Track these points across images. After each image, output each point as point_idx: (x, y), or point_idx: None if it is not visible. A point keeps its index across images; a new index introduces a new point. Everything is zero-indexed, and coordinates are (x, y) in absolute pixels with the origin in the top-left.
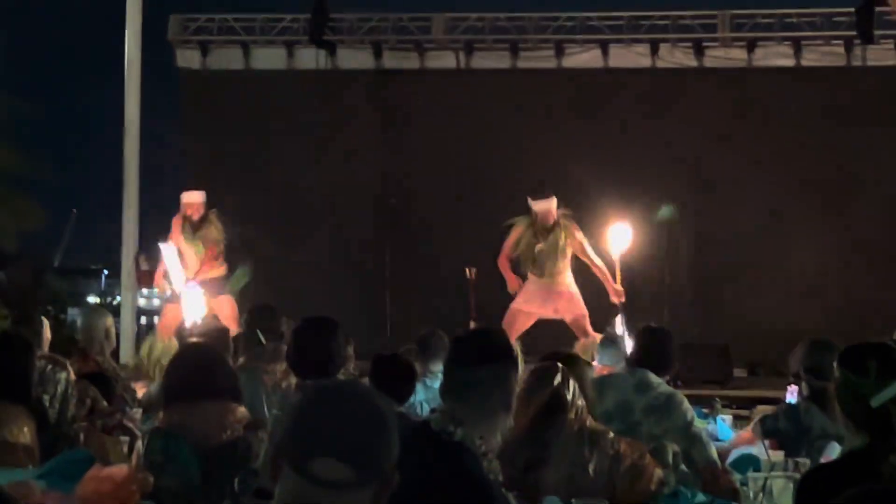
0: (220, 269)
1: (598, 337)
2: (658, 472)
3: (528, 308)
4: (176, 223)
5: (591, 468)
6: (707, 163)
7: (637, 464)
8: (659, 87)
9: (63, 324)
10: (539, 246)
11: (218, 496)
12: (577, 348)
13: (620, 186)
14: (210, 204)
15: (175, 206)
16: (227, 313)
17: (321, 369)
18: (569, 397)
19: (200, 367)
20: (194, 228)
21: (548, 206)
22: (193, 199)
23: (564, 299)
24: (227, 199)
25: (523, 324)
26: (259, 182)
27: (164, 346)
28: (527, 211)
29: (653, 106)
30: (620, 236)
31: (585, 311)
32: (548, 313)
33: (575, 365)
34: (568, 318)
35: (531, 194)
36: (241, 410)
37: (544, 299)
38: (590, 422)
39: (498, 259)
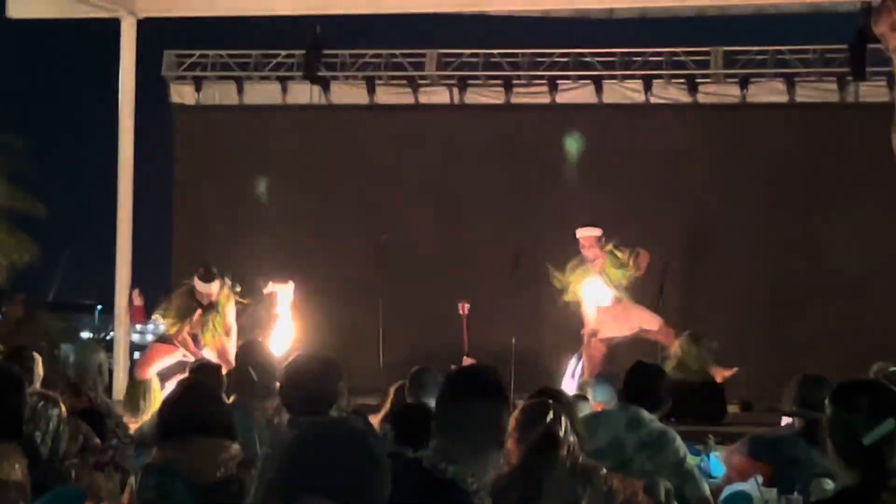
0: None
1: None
2: None
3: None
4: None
5: None
6: (699, 195)
7: (630, 500)
8: (652, 123)
9: (56, 359)
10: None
11: None
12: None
13: (614, 222)
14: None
15: (167, 241)
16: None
17: (313, 406)
18: (561, 434)
19: (195, 403)
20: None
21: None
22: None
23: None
24: (220, 232)
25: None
26: (251, 217)
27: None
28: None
29: (646, 141)
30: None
31: None
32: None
33: (565, 401)
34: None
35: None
36: (235, 447)
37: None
38: (582, 458)
39: None
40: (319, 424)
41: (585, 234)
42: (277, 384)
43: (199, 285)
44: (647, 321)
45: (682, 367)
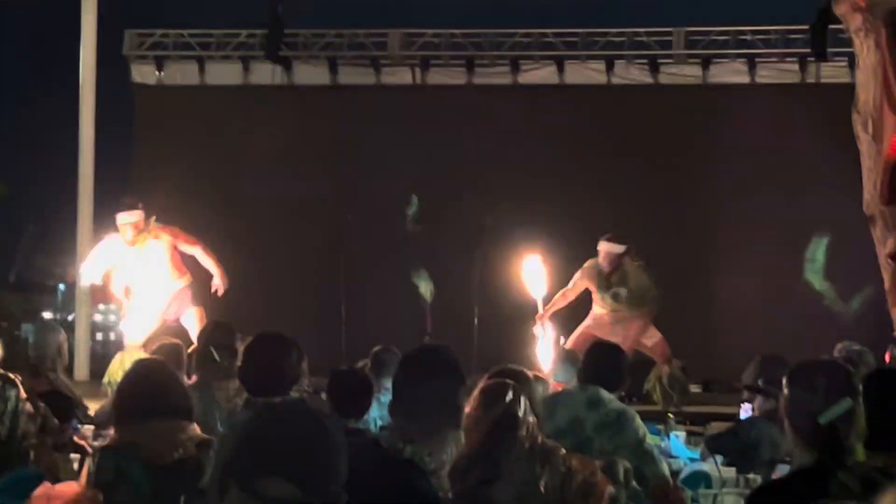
0: (185, 279)
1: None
2: (609, 490)
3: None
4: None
5: (542, 485)
6: (661, 176)
7: (588, 480)
8: (614, 104)
9: (17, 340)
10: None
11: None
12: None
13: (577, 202)
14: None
15: None
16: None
17: (273, 387)
18: (520, 414)
19: (152, 384)
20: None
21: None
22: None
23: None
24: (181, 213)
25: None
26: (214, 197)
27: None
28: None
29: (608, 122)
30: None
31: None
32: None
33: (525, 382)
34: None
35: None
36: (193, 428)
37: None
38: (541, 439)
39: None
40: (276, 406)
41: (610, 248)
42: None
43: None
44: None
45: (655, 392)
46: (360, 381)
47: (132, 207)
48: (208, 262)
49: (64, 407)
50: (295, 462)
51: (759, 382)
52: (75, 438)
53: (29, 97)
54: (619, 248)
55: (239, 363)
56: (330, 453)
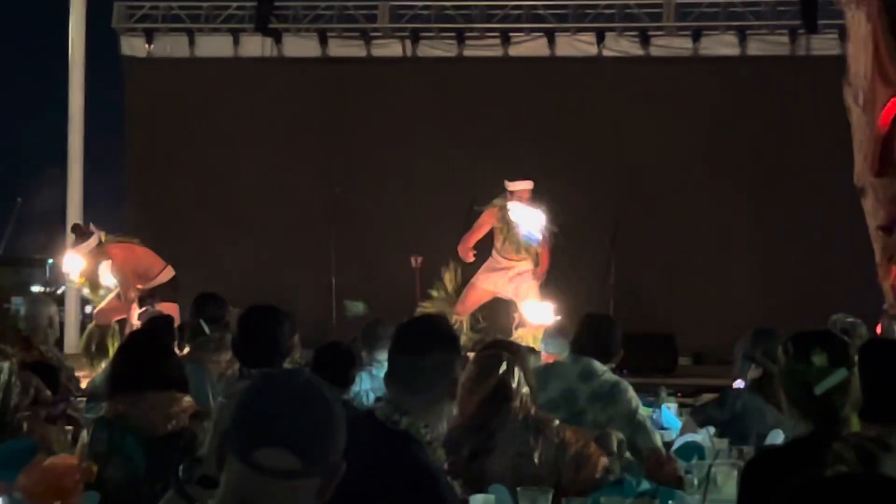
0: (167, 273)
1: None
2: (603, 461)
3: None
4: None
5: (536, 457)
6: (652, 149)
7: (582, 452)
8: (604, 76)
9: (7, 313)
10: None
11: (162, 486)
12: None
13: (567, 174)
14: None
15: (118, 195)
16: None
17: (266, 358)
18: (514, 386)
19: (146, 356)
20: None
21: (528, 189)
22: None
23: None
24: (172, 186)
25: (479, 299)
26: (204, 170)
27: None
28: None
29: (599, 94)
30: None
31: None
32: (508, 294)
33: (518, 353)
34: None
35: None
36: (187, 400)
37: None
38: (535, 410)
39: (465, 238)
40: (273, 375)
41: (523, 187)
42: (230, 337)
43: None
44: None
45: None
46: (344, 354)
47: (85, 235)
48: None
49: (56, 379)
50: (294, 432)
51: (756, 355)
52: (68, 411)
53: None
54: (529, 184)
55: (232, 335)
56: (329, 423)
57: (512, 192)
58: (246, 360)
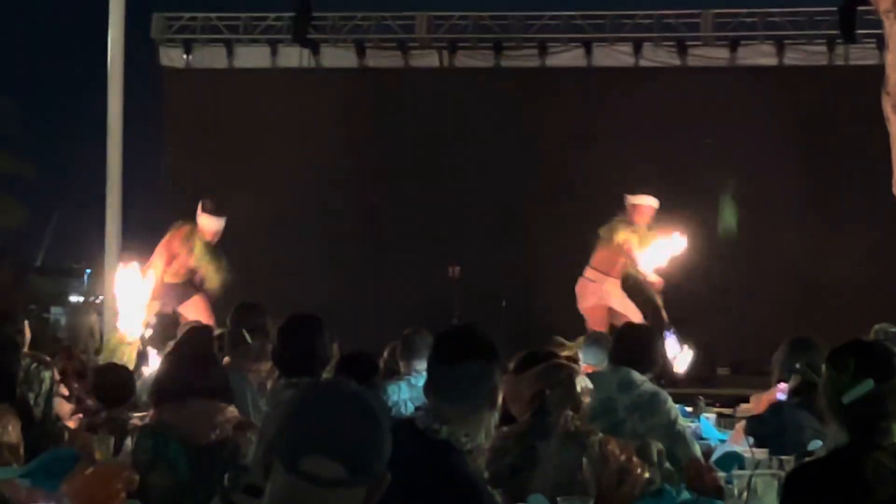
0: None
1: None
2: (645, 477)
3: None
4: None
5: (578, 470)
6: (690, 161)
7: (625, 466)
8: (642, 87)
9: (46, 323)
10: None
11: (206, 496)
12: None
13: (605, 185)
14: (187, 215)
15: (157, 204)
16: (201, 314)
17: (306, 367)
18: (562, 399)
19: (192, 365)
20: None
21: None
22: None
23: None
24: (209, 197)
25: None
26: (241, 180)
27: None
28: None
29: (636, 104)
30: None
31: None
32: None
33: (563, 366)
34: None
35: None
36: (231, 410)
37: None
38: (577, 423)
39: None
40: (321, 385)
41: (650, 202)
42: (271, 346)
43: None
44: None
45: None
46: (366, 364)
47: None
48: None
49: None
50: (340, 441)
51: (797, 366)
52: (109, 420)
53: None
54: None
55: (273, 343)
56: (375, 433)
57: (634, 206)
58: (286, 369)
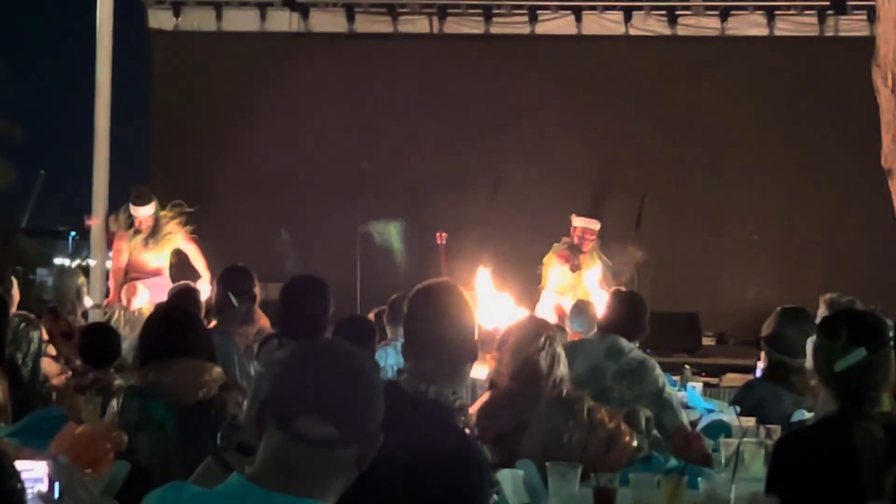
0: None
1: None
2: (633, 445)
3: None
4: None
5: (566, 436)
6: (680, 131)
7: (613, 433)
8: (631, 55)
9: (32, 284)
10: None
11: (193, 455)
12: None
13: (594, 153)
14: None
15: (144, 167)
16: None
17: (308, 330)
18: (548, 364)
19: (176, 326)
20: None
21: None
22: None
23: None
24: (197, 160)
25: None
26: (229, 143)
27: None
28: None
29: (625, 73)
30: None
31: None
32: None
33: (553, 332)
34: None
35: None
36: (217, 370)
37: None
38: (567, 389)
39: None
40: (313, 345)
41: (590, 225)
42: (257, 310)
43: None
44: None
45: None
46: (363, 327)
47: (149, 200)
48: (200, 264)
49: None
50: (333, 402)
51: (762, 344)
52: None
53: (46, 40)
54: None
55: (276, 304)
56: (368, 393)
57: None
58: (288, 332)
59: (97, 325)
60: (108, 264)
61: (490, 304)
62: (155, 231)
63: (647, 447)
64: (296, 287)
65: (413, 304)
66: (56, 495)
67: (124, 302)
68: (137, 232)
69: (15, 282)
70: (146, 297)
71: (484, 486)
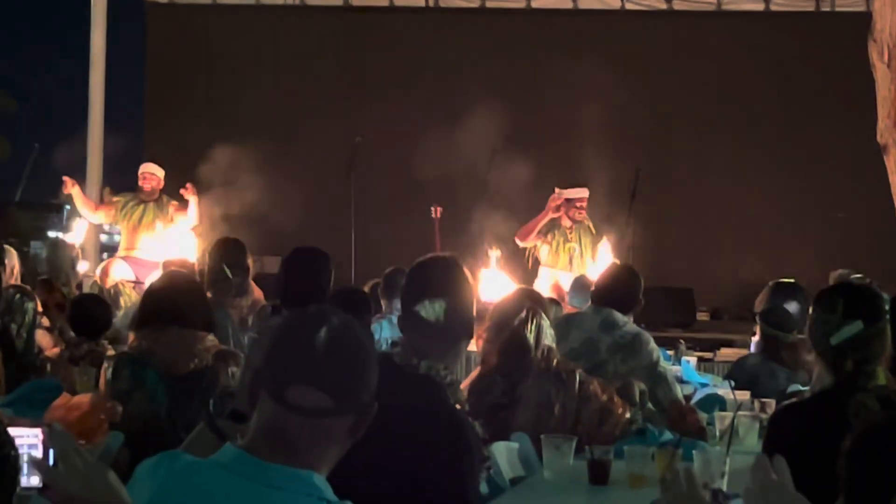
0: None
1: None
2: (626, 418)
3: None
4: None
5: (558, 408)
6: (675, 106)
7: (606, 406)
8: (628, 30)
9: (26, 257)
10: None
11: (184, 425)
12: None
13: (590, 128)
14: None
15: (138, 141)
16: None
17: (311, 300)
18: (534, 336)
19: (175, 294)
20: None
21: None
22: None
23: None
24: (191, 132)
25: None
26: (224, 116)
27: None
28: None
29: (621, 47)
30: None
31: None
32: None
33: (540, 303)
34: None
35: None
36: (211, 339)
37: None
38: (559, 361)
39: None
40: (307, 314)
41: (581, 193)
42: (251, 282)
43: None
44: None
45: None
46: (359, 299)
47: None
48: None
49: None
50: (327, 371)
51: (761, 311)
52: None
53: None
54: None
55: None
56: (362, 363)
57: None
58: (288, 301)
59: (86, 296)
60: (103, 238)
61: (491, 281)
62: (160, 203)
63: (640, 420)
64: (302, 258)
65: (413, 277)
66: (51, 462)
67: (98, 278)
68: (139, 204)
69: (14, 252)
70: (126, 272)
71: (473, 462)
